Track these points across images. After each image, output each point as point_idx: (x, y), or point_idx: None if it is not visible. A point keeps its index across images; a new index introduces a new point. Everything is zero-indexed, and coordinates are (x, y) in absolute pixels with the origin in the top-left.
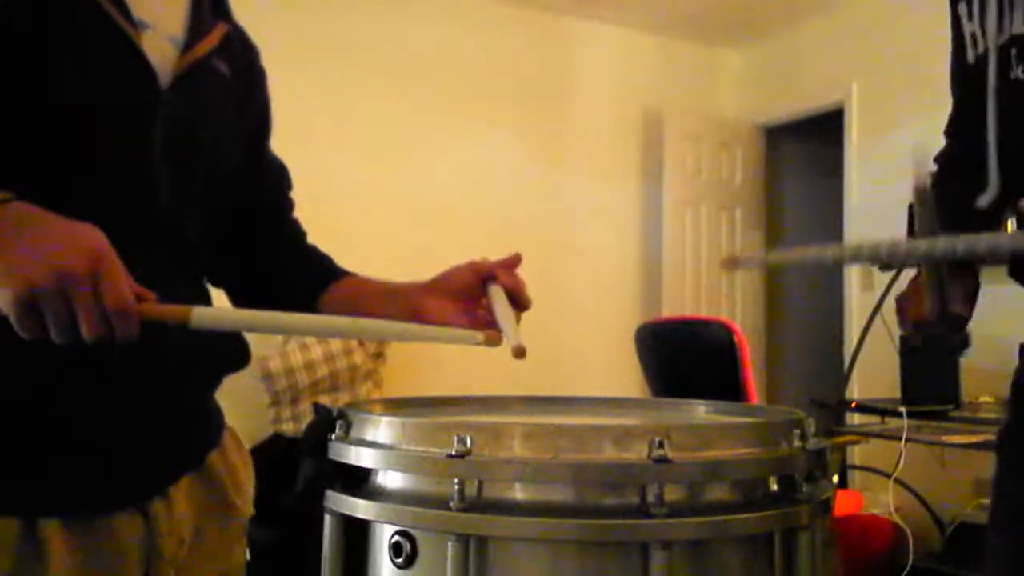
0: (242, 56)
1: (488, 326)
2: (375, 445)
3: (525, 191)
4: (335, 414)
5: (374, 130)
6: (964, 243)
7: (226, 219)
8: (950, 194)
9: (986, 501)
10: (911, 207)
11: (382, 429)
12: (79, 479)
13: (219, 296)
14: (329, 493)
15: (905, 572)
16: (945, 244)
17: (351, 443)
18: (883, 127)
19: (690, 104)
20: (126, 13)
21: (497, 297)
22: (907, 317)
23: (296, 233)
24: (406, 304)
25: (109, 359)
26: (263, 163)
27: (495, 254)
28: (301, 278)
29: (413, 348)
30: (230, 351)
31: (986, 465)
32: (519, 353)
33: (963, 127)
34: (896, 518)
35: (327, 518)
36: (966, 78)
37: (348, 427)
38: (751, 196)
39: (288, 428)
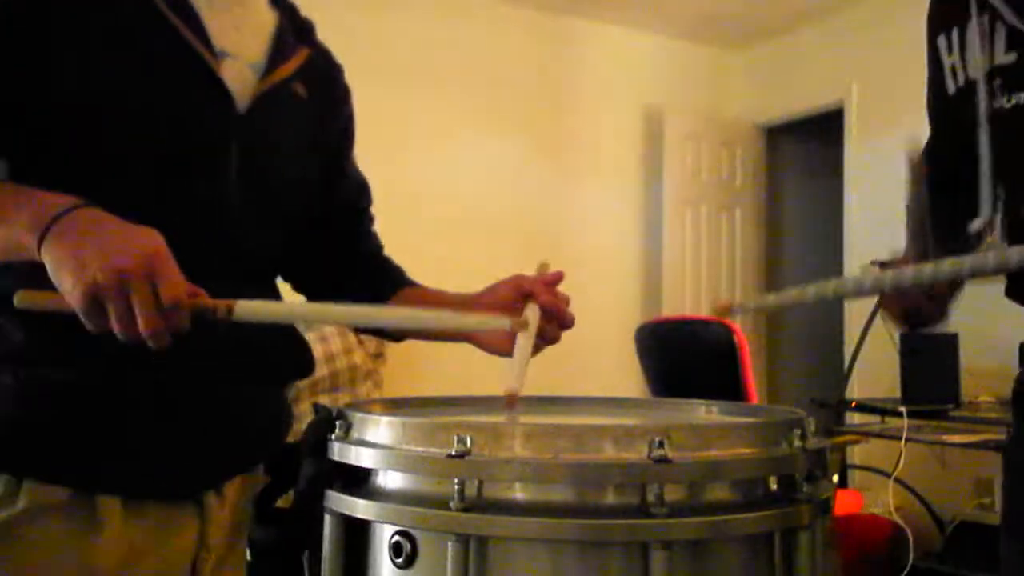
0: (324, 77)
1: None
2: (375, 445)
3: (525, 191)
4: (335, 414)
5: (373, 130)
6: (970, 263)
7: (302, 233)
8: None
9: (986, 501)
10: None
11: (382, 429)
12: (138, 466)
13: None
14: (329, 493)
15: (905, 572)
16: (951, 266)
17: (351, 443)
18: (883, 127)
19: (690, 104)
20: (207, 42)
21: (533, 314)
22: (895, 309)
23: (372, 247)
24: None
25: (178, 356)
26: (342, 180)
27: (494, 254)
28: (371, 289)
29: (413, 348)
30: (296, 358)
31: (986, 465)
32: (510, 400)
33: (941, 155)
34: (896, 518)
35: (327, 518)
36: (947, 109)
37: (348, 427)
38: (751, 196)
39: None
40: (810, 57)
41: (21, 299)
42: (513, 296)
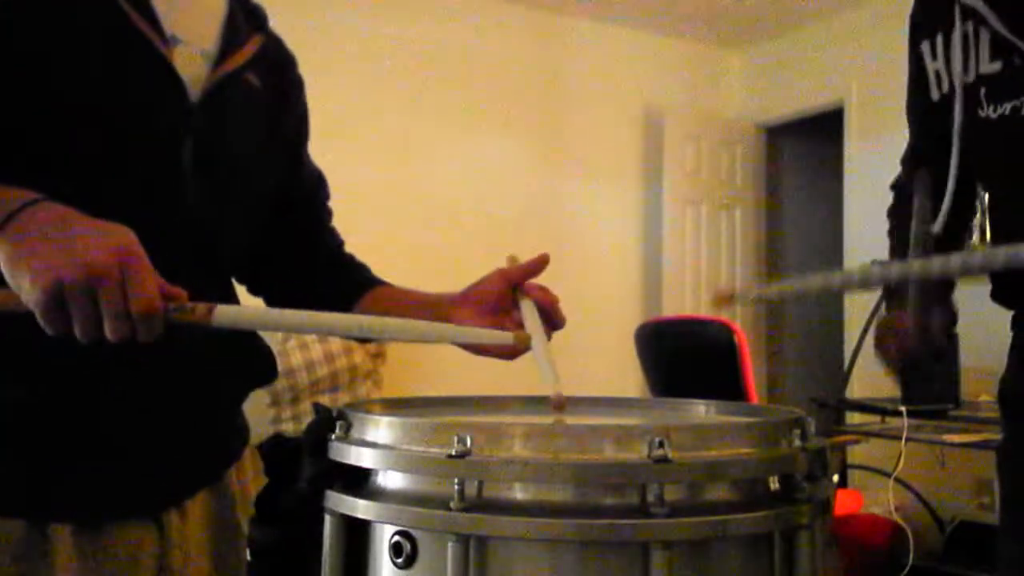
0: (277, 67)
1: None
2: (375, 445)
3: (525, 191)
4: (335, 414)
5: (373, 131)
6: (959, 260)
7: (261, 229)
8: (905, 218)
9: (986, 501)
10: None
11: (382, 429)
12: (94, 486)
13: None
14: (329, 493)
15: (905, 572)
16: (940, 263)
17: (351, 443)
18: (883, 127)
19: (690, 104)
20: (158, 29)
21: (528, 312)
22: (891, 349)
23: (333, 243)
24: (437, 315)
25: (133, 366)
26: (300, 172)
27: (494, 254)
28: (336, 287)
29: (413, 348)
30: (256, 366)
31: (986, 465)
32: (558, 403)
33: (922, 160)
34: (896, 518)
35: (327, 518)
36: (929, 115)
37: (348, 427)
38: (751, 195)
39: (288, 428)
40: (810, 57)
41: None
42: (501, 289)
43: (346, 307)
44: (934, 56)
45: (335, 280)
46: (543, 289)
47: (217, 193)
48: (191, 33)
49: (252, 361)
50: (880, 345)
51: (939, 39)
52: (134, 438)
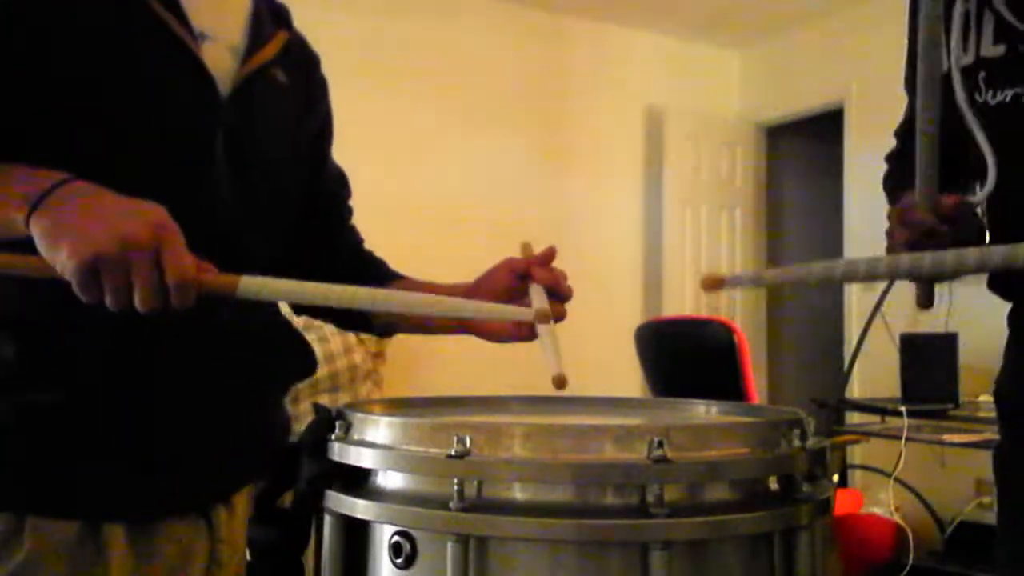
0: (302, 65)
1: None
2: (375, 445)
3: (525, 191)
4: (335, 414)
5: (374, 131)
6: (954, 257)
7: (286, 225)
8: (901, 187)
9: (986, 500)
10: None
11: (382, 429)
12: (145, 484)
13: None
14: (329, 493)
15: (905, 572)
16: (955, 257)
17: (351, 443)
18: (883, 127)
19: (690, 104)
20: (186, 24)
21: (537, 298)
22: (906, 223)
23: (353, 240)
24: None
25: (179, 361)
26: (323, 171)
27: (495, 254)
28: (358, 282)
29: (413, 348)
30: (297, 360)
31: (986, 464)
32: (560, 383)
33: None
34: (896, 518)
35: (327, 518)
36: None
37: (348, 427)
38: (751, 196)
39: None
40: (810, 57)
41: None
42: (510, 279)
43: None
44: None
45: (356, 275)
46: (548, 268)
47: (249, 186)
48: (219, 29)
49: (294, 354)
50: (892, 234)
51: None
52: (182, 435)
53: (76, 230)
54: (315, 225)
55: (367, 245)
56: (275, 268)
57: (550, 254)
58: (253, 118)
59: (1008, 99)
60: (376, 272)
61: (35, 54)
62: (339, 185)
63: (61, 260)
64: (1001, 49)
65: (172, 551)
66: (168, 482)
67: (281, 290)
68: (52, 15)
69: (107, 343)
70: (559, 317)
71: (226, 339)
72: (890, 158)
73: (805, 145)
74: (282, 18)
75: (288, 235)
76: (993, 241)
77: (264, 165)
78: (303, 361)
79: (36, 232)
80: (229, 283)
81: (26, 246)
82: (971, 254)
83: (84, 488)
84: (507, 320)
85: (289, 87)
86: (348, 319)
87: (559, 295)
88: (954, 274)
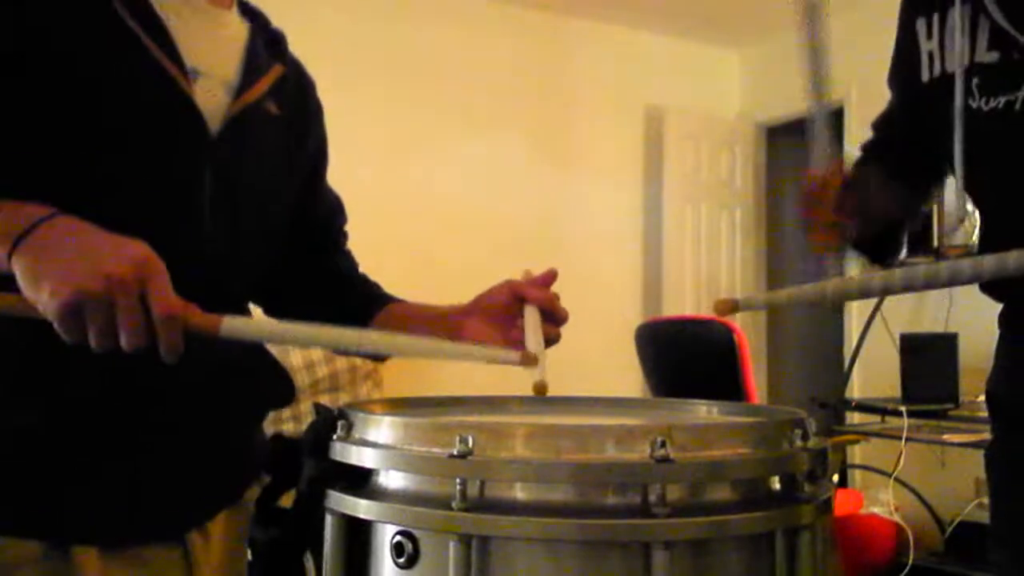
0: (297, 93)
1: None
2: (376, 445)
3: (525, 191)
4: (336, 414)
5: (374, 131)
6: (948, 269)
7: (277, 254)
8: (872, 170)
9: (986, 500)
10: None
11: (384, 429)
12: (117, 508)
13: None
14: (330, 493)
15: (905, 571)
16: (949, 269)
17: (352, 443)
18: None
19: (690, 104)
20: (179, 63)
21: (531, 318)
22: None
23: (348, 265)
24: (447, 327)
25: (152, 388)
26: (317, 197)
27: (495, 254)
28: (350, 309)
29: None
30: (274, 387)
31: None
32: (529, 359)
33: (896, 130)
34: (896, 517)
35: (328, 518)
36: (919, 95)
37: (349, 427)
38: (751, 196)
39: (288, 428)
40: None
41: None
42: (507, 300)
43: (360, 326)
44: (929, 36)
45: (348, 302)
46: (542, 289)
47: (234, 223)
48: (212, 65)
49: (270, 382)
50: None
51: (935, 18)
52: (156, 461)
53: (58, 269)
54: (307, 252)
55: (367, 245)
56: (265, 295)
57: (549, 277)
58: (243, 153)
59: (1001, 106)
60: (368, 297)
61: (21, 88)
62: (334, 212)
63: (43, 300)
64: (995, 56)
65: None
66: (142, 507)
67: (264, 331)
68: (40, 49)
69: (83, 369)
70: (554, 339)
71: (203, 366)
72: (865, 147)
73: (805, 145)
74: (278, 47)
75: (276, 265)
76: (984, 250)
77: (253, 200)
78: (280, 389)
79: (17, 270)
80: (211, 323)
81: (8, 281)
82: (964, 264)
83: (49, 510)
84: (490, 363)
85: (282, 118)
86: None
87: (554, 317)
88: (949, 284)
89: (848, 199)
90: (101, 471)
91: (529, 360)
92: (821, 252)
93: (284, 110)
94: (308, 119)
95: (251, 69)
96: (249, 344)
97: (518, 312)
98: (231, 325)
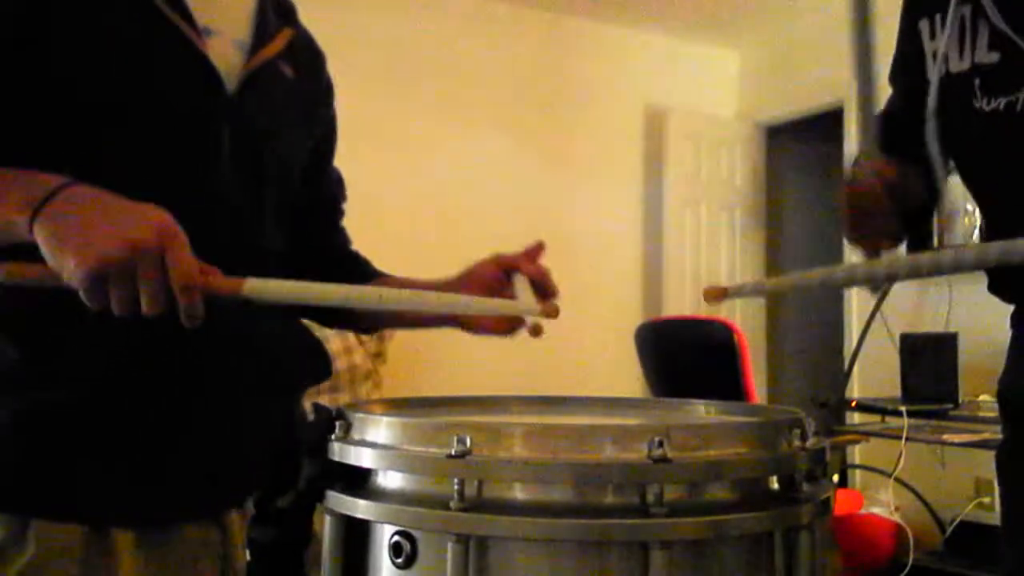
0: (309, 61)
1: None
2: (375, 445)
3: (526, 191)
4: (335, 414)
5: (374, 131)
6: (951, 257)
7: (291, 220)
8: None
9: (986, 500)
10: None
11: (382, 429)
12: (155, 490)
13: None
14: (329, 493)
15: (905, 571)
16: (952, 258)
17: (351, 443)
18: None
19: (690, 104)
20: (190, 20)
21: (521, 286)
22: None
23: (343, 241)
24: None
25: (191, 365)
26: (326, 171)
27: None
28: (346, 281)
29: (413, 349)
30: (312, 363)
31: (986, 464)
32: (550, 310)
33: (899, 124)
34: (896, 517)
35: (327, 518)
36: (920, 94)
37: (348, 427)
38: (751, 196)
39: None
40: (810, 56)
41: (8, 274)
42: (496, 272)
43: None
44: (932, 36)
45: (344, 275)
46: (533, 263)
47: (255, 183)
48: (223, 24)
49: (309, 357)
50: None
51: (938, 19)
52: (194, 440)
53: (81, 237)
54: (309, 226)
55: (366, 243)
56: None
57: (538, 249)
58: (260, 113)
59: (1002, 107)
60: (362, 271)
61: (36, 53)
62: (337, 186)
63: (69, 268)
64: (995, 57)
65: (185, 556)
66: (180, 488)
67: (286, 290)
68: (53, 14)
69: (117, 345)
70: (552, 315)
71: (240, 342)
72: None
73: (805, 145)
74: (287, 14)
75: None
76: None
77: (272, 163)
78: (318, 364)
79: (40, 238)
80: (234, 285)
81: (27, 250)
82: (969, 252)
83: (88, 492)
84: (509, 314)
85: (296, 82)
86: (333, 316)
87: (544, 289)
88: (952, 271)
89: (891, 199)
90: (139, 452)
91: (550, 311)
92: (876, 256)
93: (299, 74)
94: (321, 87)
95: (262, 29)
96: (285, 318)
97: (506, 284)
98: (254, 286)
